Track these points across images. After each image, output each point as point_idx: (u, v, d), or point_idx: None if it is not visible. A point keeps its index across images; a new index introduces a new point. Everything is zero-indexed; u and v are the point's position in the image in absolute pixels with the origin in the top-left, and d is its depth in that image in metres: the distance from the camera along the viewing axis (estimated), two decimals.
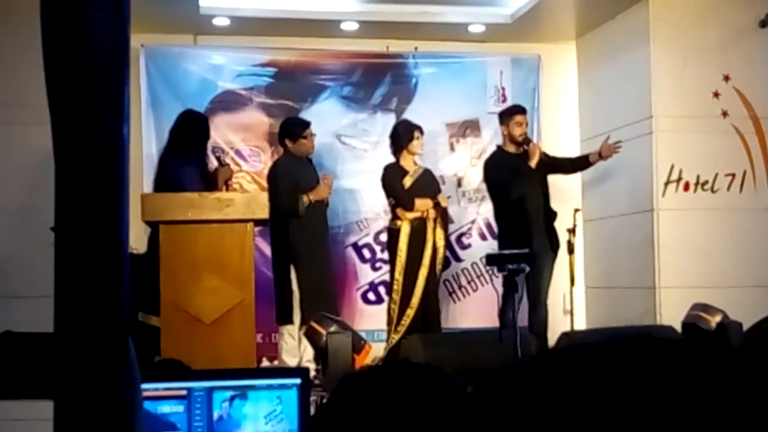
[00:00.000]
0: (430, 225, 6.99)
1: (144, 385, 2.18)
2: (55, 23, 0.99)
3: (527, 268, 5.44)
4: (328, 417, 1.18)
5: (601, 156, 7.20)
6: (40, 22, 1.01)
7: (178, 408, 2.19)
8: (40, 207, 6.27)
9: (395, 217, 7.07)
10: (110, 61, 0.99)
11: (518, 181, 6.98)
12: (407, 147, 7.09)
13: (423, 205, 7.00)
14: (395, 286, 6.94)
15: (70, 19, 0.98)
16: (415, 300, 6.89)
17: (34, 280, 6.28)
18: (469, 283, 8.22)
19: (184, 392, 2.19)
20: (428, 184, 7.18)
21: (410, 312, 6.87)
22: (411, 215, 6.98)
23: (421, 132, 7.18)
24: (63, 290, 1.01)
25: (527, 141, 7.14)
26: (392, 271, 7.02)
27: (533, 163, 7.00)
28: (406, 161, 7.14)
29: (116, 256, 1.01)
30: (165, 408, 2.18)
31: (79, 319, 1.02)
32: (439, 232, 7.03)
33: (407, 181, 7.08)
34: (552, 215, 7.17)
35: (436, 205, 7.06)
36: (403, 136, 7.13)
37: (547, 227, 7.08)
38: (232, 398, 2.20)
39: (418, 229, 6.96)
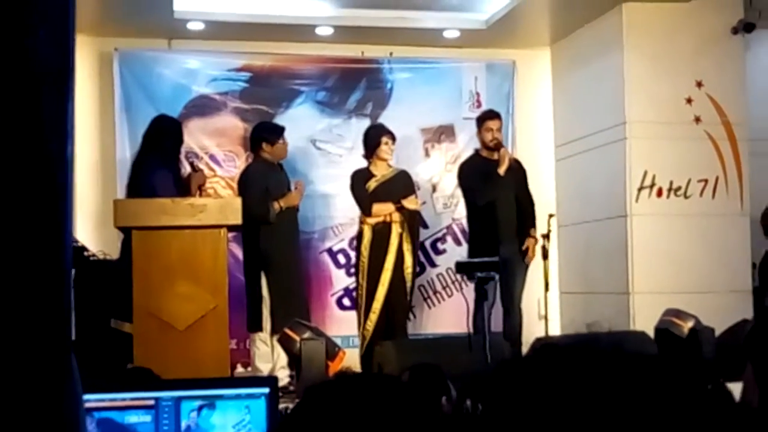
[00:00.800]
0: (395, 229, 6.90)
1: (111, 395, 2.16)
2: None
3: (496, 276, 5.46)
4: (291, 428, 1.18)
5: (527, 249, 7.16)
6: None
7: (146, 418, 2.17)
8: None
9: (360, 221, 7.05)
10: (53, 79, 0.97)
11: (487, 187, 6.97)
12: (376, 152, 7.05)
13: (381, 210, 6.90)
14: (360, 291, 6.92)
15: (13, 36, 0.96)
16: (377, 305, 6.83)
17: None
18: (444, 288, 8.23)
19: (151, 402, 2.17)
20: (395, 188, 7.04)
21: (373, 317, 6.82)
22: (372, 220, 6.95)
23: (392, 137, 7.10)
24: (2, 304, 1.00)
25: (499, 146, 7.13)
26: (357, 276, 7.01)
27: (502, 170, 6.98)
28: (375, 166, 7.07)
29: (59, 278, 1.00)
30: (132, 418, 2.17)
31: (19, 336, 1.01)
32: (406, 236, 6.95)
33: (370, 186, 7.00)
34: (526, 223, 7.16)
35: (401, 209, 6.96)
36: (371, 141, 7.08)
37: (519, 234, 7.08)
38: (200, 408, 2.18)
39: (382, 234, 6.90)
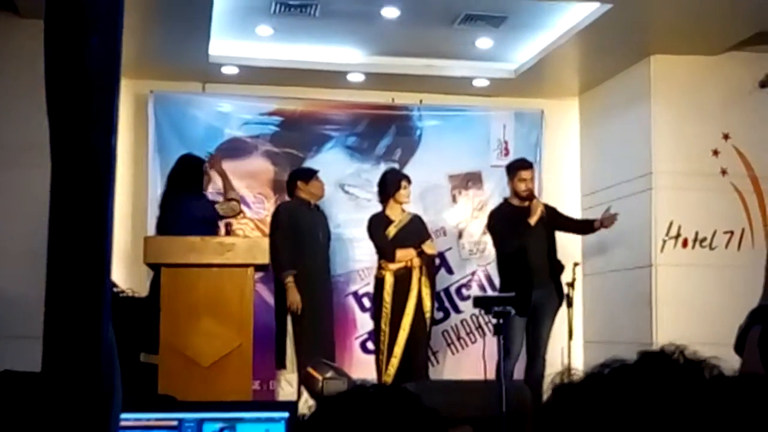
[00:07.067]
0: (415, 274, 6.97)
1: (135, 416, 2.23)
2: (56, 46, 1.10)
3: (513, 311, 5.48)
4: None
5: (603, 225, 7.19)
6: (44, 46, 1.12)
7: None
8: None
9: (380, 267, 7.11)
10: (103, 80, 1.09)
11: (516, 237, 6.97)
12: (394, 196, 7.11)
13: (405, 256, 6.98)
14: (381, 337, 6.94)
15: (70, 43, 1.09)
16: (398, 349, 6.87)
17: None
18: (468, 334, 8.24)
19: (174, 423, 2.24)
20: (414, 233, 7.14)
21: (394, 361, 6.86)
22: (394, 266, 7.01)
23: (409, 181, 7.20)
24: (51, 304, 1.08)
25: (531, 197, 7.13)
26: (378, 322, 7.03)
27: (532, 221, 6.97)
28: (392, 210, 7.15)
29: (101, 262, 1.08)
30: None
31: (66, 345, 1.09)
32: (425, 281, 7.02)
33: (391, 231, 7.07)
34: (558, 267, 7.13)
35: (421, 254, 7.04)
36: (390, 184, 7.16)
37: (553, 278, 7.06)
38: (221, 430, 2.24)
39: (403, 279, 6.96)
